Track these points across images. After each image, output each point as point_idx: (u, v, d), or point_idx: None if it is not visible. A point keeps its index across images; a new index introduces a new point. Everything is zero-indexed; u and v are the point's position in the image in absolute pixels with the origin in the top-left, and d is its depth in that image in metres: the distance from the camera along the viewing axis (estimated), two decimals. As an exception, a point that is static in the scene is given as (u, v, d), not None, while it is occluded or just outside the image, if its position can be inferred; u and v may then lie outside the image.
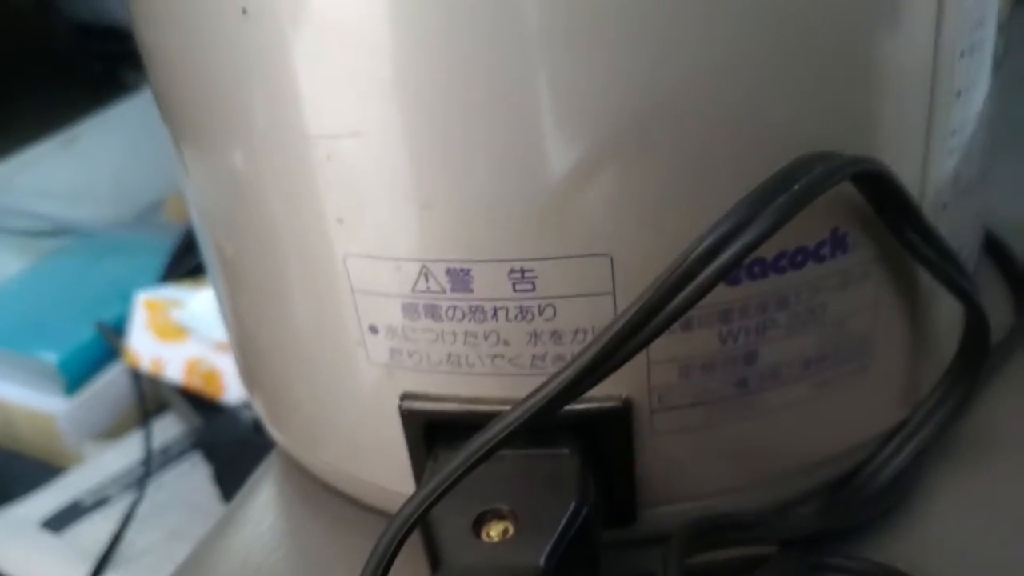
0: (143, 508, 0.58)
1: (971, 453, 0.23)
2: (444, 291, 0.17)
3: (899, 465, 0.20)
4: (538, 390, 0.15)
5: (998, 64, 0.20)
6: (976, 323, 0.19)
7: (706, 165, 0.16)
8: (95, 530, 0.57)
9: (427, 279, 0.17)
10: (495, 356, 0.18)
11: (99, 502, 0.59)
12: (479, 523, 0.16)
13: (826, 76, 0.16)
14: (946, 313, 0.20)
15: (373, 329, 0.18)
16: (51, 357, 0.69)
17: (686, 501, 0.19)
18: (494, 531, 0.16)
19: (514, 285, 0.17)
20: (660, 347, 0.17)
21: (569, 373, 0.14)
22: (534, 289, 0.17)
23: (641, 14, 0.15)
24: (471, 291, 0.17)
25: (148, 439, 0.60)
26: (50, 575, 0.55)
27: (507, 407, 0.18)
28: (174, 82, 0.19)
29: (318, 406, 0.21)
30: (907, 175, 0.17)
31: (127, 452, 0.63)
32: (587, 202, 0.16)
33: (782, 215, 0.14)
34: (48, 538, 0.57)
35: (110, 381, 0.69)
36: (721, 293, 0.17)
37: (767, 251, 0.17)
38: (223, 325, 0.24)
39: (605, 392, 0.18)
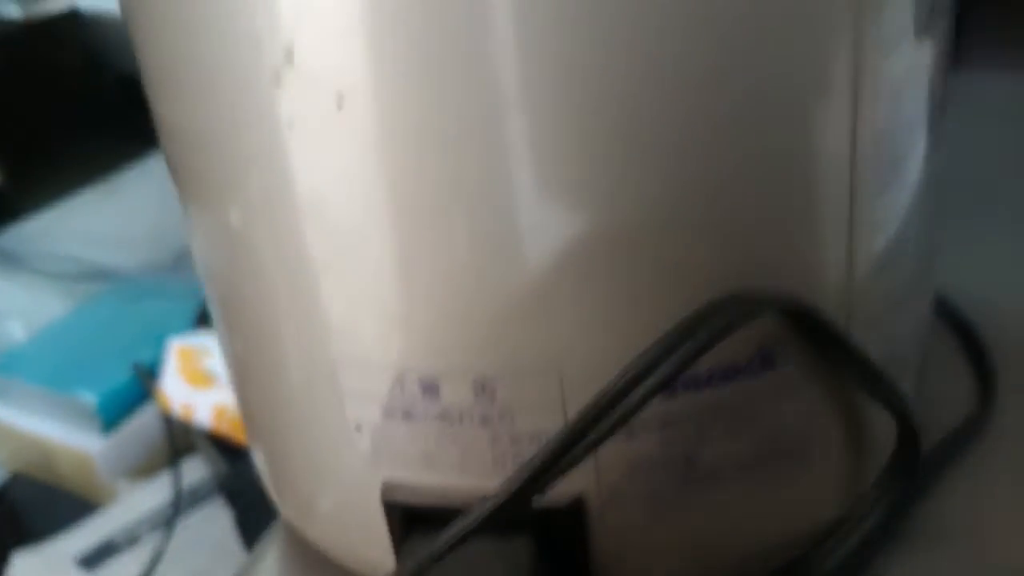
0: (170, 548, 0.60)
1: (921, 541, 0.24)
2: (417, 397, 0.20)
3: (844, 554, 0.22)
4: (485, 499, 0.17)
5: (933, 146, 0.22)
6: (906, 435, 0.21)
7: (642, 298, 0.18)
8: (125, 570, 0.60)
9: (402, 386, 0.20)
10: (463, 455, 0.20)
11: (130, 541, 0.62)
12: (439, 609, 0.19)
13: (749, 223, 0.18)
14: (884, 414, 0.22)
15: (358, 426, 0.21)
16: (90, 397, 0.72)
17: (637, 585, 0.21)
18: (452, 618, 0.18)
19: (476, 395, 0.19)
20: (607, 451, 0.19)
21: (511, 482, 0.17)
22: (494, 400, 0.19)
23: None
24: (440, 398, 0.19)
25: (178, 482, 0.63)
26: (81, 610, 0.58)
27: (475, 498, 0.20)
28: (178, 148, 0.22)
29: (311, 485, 0.23)
30: (831, 300, 0.20)
31: (158, 492, 0.66)
32: (539, 325, 0.18)
33: (687, 359, 0.16)
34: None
35: (145, 421, 0.72)
36: (661, 403, 0.19)
37: (698, 368, 0.19)
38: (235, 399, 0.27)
39: (561, 489, 0.20)
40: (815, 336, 0.19)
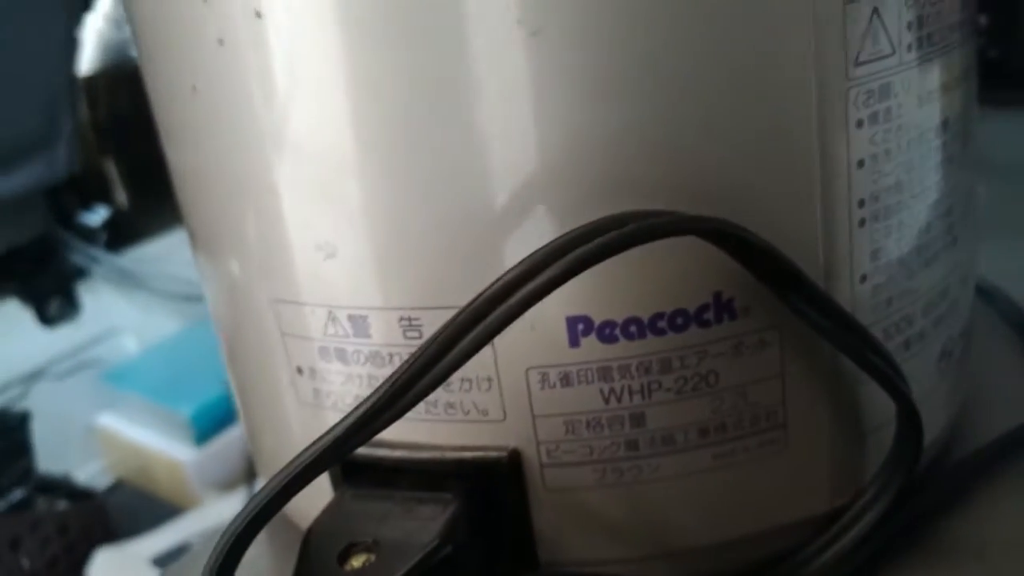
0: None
1: (950, 556, 0.21)
2: (348, 336, 0.19)
3: (832, 557, 0.19)
4: (328, 432, 0.16)
5: (954, 138, 0.19)
6: (902, 409, 0.18)
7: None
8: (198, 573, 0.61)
9: (334, 324, 0.19)
10: (396, 400, 0.19)
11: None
12: (347, 552, 0.17)
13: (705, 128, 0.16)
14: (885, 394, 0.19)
15: (299, 370, 0.20)
16: (186, 410, 0.75)
17: (588, 564, 0.19)
18: (356, 561, 0.17)
19: (404, 332, 0.18)
20: (542, 400, 0.18)
21: (357, 415, 0.15)
22: (421, 337, 0.18)
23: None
24: (370, 336, 0.18)
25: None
26: (150, 611, 0.59)
27: (408, 451, 0.19)
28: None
29: (271, 442, 0.23)
30: (803, 242, 0.17)
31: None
32: (464, 260, 0.17)
33: (571, 268, 0.14)
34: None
35: (236, 436, 0.75)
36: (598, 350, 0.17)
37: (643, 311, 0.17)
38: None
39: (495, 442, 0.18)
40: (768, 274, 0.16)
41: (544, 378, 0.18)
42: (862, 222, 0.18)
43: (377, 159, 0.17)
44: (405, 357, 0.18)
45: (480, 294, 0.15)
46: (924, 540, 0.21)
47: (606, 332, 0.17)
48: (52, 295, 0.78)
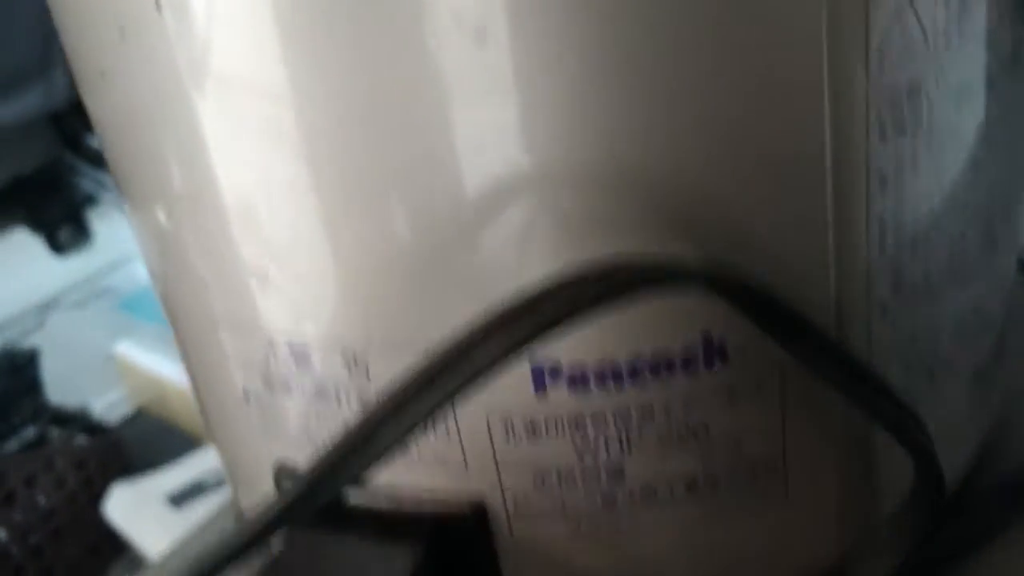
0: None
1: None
2: (291, 367, 0.17)
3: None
4: (257, 516, 0.14)
5: (993, 133, 0.16)
6: (920, 461, 0.16)
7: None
8: (208, 510, 0.61)
9: (275, 354, 0.17)
10: (347, 438, 0.17)
11: (220, 482, 0.64)
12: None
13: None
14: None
15: (247, 395, 0.18)
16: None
17: (564, 615, 0.17)
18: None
19: (349, 369, 0.16)
20: (506, 451, 0.16)
21: (293, 491, 0.13)
22: (367, 374, 0.16)
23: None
24: (312, 370, 0.16)
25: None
26: (163, 547, 0.60)
27: (363, 495, 0.17)
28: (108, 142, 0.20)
29: (228, 459, 0.21)
30: (811, 276, 0.15)
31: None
32: (411, 295, 0.15)
33: (499, 358, 0.12)
34: (169, 512, 0.62)
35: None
36: (570, 401, 0.15)
37: (620, 354, 0.15)
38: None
39: (457, 487, 0.16)
40: (763, 318, 0.14)
41: (508, 426, 0.15)
42: (883, 247, 0.15)
43: (313, 172, 0.15)
44: (353, 394, 0.16)
45: (405, 381, 0.13)
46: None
47: (577, 379, 0.15)
48: (62, 223, 0.76)
